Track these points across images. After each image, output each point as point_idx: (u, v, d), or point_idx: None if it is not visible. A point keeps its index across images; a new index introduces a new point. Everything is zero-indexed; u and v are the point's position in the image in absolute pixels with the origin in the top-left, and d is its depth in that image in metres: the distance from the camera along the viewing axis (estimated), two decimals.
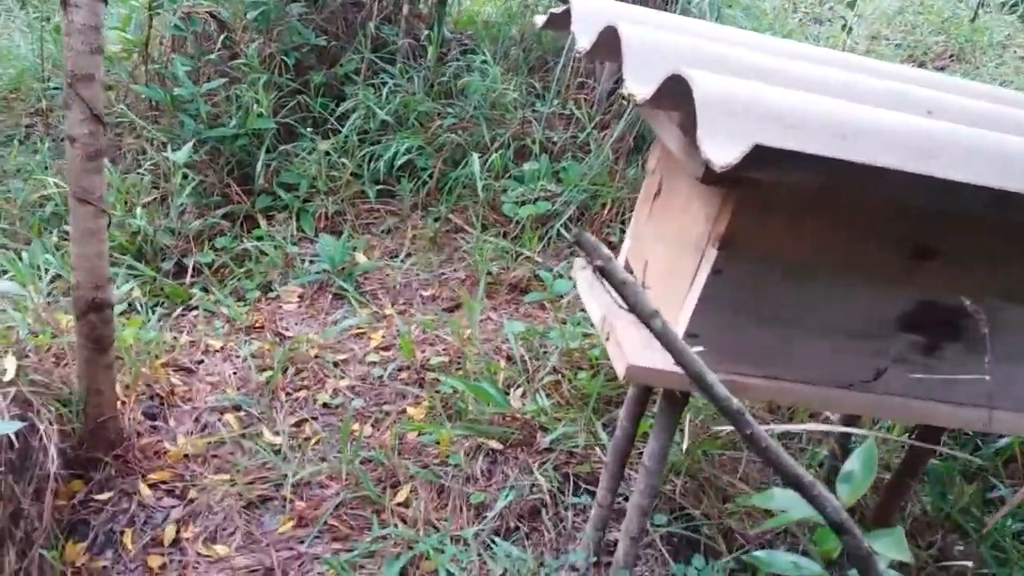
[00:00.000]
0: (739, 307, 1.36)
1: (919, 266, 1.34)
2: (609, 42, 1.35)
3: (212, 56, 3.25)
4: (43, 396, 2.02)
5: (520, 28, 3.82)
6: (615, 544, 1.98)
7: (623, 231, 3.19)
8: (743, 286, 1.33)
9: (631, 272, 1.68)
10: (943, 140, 1.09)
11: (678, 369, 1.39)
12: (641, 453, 1.77)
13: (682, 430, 2.06)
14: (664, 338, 0.92)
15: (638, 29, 1.29)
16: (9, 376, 1.95)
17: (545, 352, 2.61)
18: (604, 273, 0.88)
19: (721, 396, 0.94)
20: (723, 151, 0.98)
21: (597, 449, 2.18)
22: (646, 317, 0.92)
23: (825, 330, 1.42)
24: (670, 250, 1.47)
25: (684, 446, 2.00)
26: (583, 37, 1.42)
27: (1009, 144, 1.15)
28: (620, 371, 1.38)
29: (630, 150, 3.21)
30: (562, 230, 3.08)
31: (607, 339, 1.47)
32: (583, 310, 2.76)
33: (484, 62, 3.37)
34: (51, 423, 1.98)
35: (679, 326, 1.38)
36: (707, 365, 1.41)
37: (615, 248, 3.17)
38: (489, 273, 3.03)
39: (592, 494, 2.15)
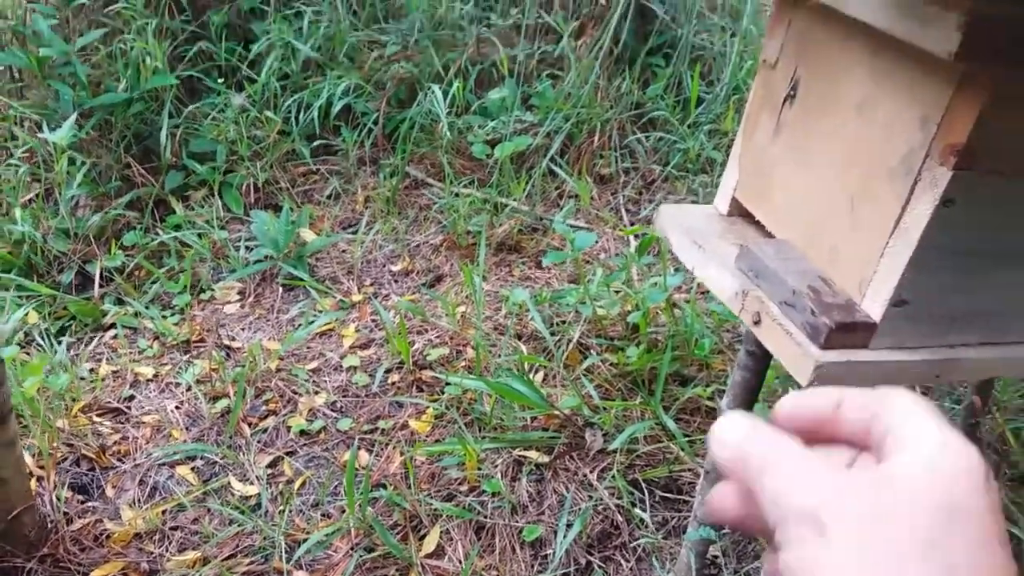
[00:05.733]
0: (967, 249, 0.89)
1: None
2: None
3: (83, 0, 2.55)
4: None
5: None
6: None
7: (620, 159, 2.68)
8: (979, 216, 0.86)
9: (740, 216, 1.19)
10: None
11: (910, 356, 0.95)
12: None
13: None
14: None
15: None
16: None
17: (563, 323, 2.12)
18: None
19: None
20: None
21: (672, 445, 1.72)
22: None
23: None
24: (831, 180, 0.98)
25: None
26: None
27: None
28: (802, 372, 0.90)
29: (616, 60, 2.68)
30: (552, 166, 2.56)
31: (755, 323, 0.99)
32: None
33: None
34: None
35: (877, 293, 0.91)
36: (915, 339, 0.96)
37: (611, 182, 2.66)
38: (468, 232, 2.51)
39: (673, 505, 1.71)
